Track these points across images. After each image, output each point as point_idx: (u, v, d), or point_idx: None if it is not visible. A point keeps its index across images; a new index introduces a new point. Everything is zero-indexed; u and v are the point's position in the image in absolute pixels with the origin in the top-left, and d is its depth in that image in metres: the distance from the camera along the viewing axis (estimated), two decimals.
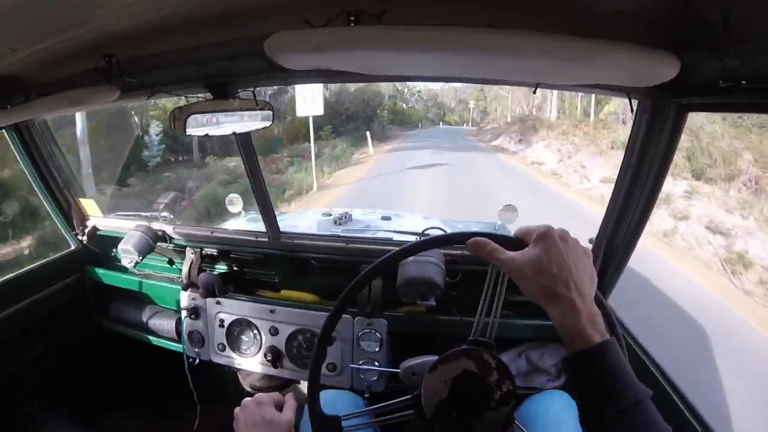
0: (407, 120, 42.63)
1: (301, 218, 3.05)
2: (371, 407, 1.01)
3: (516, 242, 0.75)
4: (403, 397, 0.92)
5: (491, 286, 0.86)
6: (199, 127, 1.33)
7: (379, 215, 2.97)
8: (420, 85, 47.94)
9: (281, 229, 1.78)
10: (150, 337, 1.94)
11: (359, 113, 27.21)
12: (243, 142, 1.52)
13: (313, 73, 1.20)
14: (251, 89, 1.32)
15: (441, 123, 51.45)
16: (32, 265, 1.93)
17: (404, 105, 46.53)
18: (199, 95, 1.38)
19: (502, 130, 29.67)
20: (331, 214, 2.78)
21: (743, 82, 0.85)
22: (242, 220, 2.84)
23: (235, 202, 2.72)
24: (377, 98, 28.44)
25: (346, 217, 2.69)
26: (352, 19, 0.99)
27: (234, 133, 1.37)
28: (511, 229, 2.47)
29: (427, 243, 0.97)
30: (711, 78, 0.91)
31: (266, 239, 1.76)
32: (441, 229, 1.71)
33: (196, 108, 1.33)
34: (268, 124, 1.34)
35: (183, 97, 1.43)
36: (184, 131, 1.33)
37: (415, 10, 0.97)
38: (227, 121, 1.34)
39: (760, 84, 0.81)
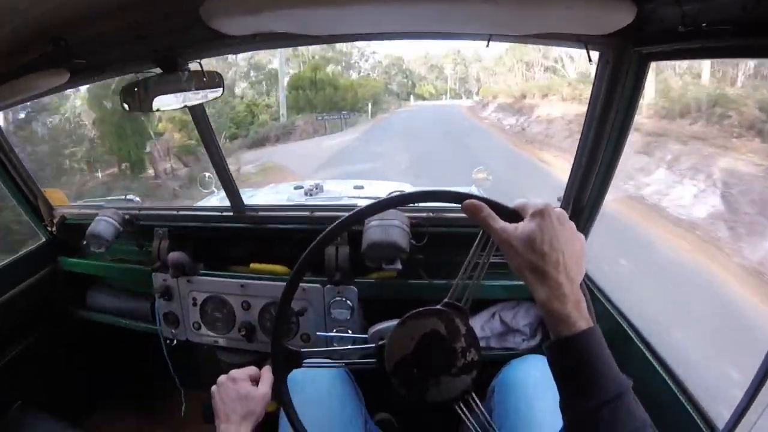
0: (337, 101, 24.05)
1: (273, 192, 3.03)
2: (334, 348, 1.01)
3: (512, 214, 0.74)
4: (367, 345, 0.91)
5: (478, 250, 0.83)
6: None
7: (352, 184, 2.94)
8: (378, 50, 33.56)
9: (249, 204, 1.77)
10: (127, 323, 1.93)
11: None
12: (197, 115, 1.49)
13: (257, 37, 1.16)
14: (198, 60, 1.29)
15: (411, 98, 36.18)
16: (2, 262, 1.89)
17: (355, 74, 30.57)
18: (149, 71, 1.34)
19: None
20: (302, 187, 2.75)
21: (703, 25, 0.83)
22: (214, 199, 2.81)
23: (207, 180, 2.68)
24: None
25: (317, 188, 2.67)
26: None
27: (186, 107, 1.34)
28: (483, 193, 2.50)
29: (383, 203, 0.95)
30: (671, 24, 0.90)
31: (231, 214, 1.75)
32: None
33: (147, 84, 1.30)
34: (219, 94, 1.32)
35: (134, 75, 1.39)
36: (151, 109, 1.30)
37: None
38: (179, 95, 1.31)
39: (720, 26, 0.79)
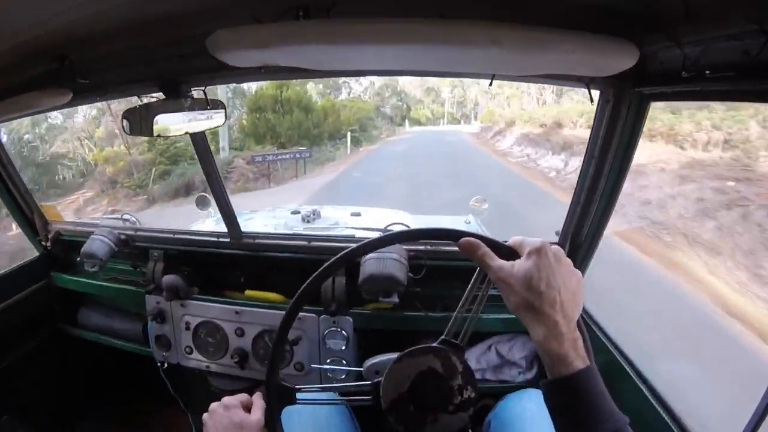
0: (308, 127, 18.17)
1: (270, 217, 3.02)
2: (329, 385, 0.99)
3: (508, 252, 0.74)
4: (363, 382, 0.90)
5: (476, 284, 0.82)
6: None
7: (349, 211, 2.93)
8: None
9: (247, 229, 1.76)
10: (118, 343, 1.90)
11: None
12: (197, 143, 1.49)
13: (263, 69, 1.17)
14: (202, 88, 1.30)
15: (406, 122, 33.09)
16: None
17: (345, 94, 27.69)
18: (152, 96, 1.34)
19: None
20: (299, 212, 2.75)
21: (707, 71, 0.84)
22: (211, 221, 2.81)
23: (205, 202, 2.67)
24: None
25: (314, 214, 2.67)
26: (301, 13, 0.97)
27: (187, 134, 1.34)
28: (481, 223, 2.50)
29: (378, 242, 0.94)
30: (673, 67, 0.91)
31: (228, 240, 1.74)
32: (405, 225, 1.70)
33: (149, 109, 1.30)
34: (221, 123, 1.33)
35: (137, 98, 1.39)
36: (152, 134, 1.30)
37: (365, 3, 0.94)
38: (180, 122, 1.31)
39: (724, 72, 0.80)
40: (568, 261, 0.72)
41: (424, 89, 35.37)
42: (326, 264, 0.89)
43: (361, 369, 1.44)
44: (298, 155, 15.71)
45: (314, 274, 0.89)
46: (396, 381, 0.83)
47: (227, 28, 0.93)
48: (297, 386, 0.91)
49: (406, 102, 34.78)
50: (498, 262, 0.72)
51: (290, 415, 0.95)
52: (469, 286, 0.81)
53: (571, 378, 0.65)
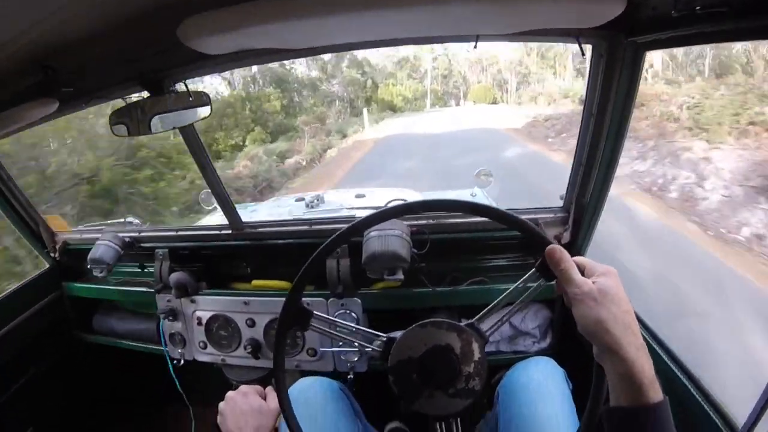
0: None
1: (274, 207, 3.02)
2: (344, 323, 0.99)
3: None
4: (378, 332, 0.89)
5: (524, 283, 0.80)
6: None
7: (353, 194, 2.92)
8: None
9: (250, 219, 1.76)
10: (134, 345, 1.93)
11: None
12: (188, 136, 1.48)
13: (241, 55, 1.15)
14: (183, 81, 1.28)
15: (365, 114, 20.48)
16: (8, 290, 1.90)
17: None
18: (136, 95, 1.33)
19: None
20: (304, 199, 2.75)
21: (697, 8, 0.79)
22: (218, 215, 2.81)
23: (208, 197, 2.67)
24: None
25: (318, 200, 2.66)
26: None
27: (176, 128, 1.32)
28: (487, 194, 2.47)
29: (384, 214, 0.93)
30: (664, 10, 0.87)
31: (229, 232, 1.74)
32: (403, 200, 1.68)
33: (139, 107, 1.29)
34: (207, 114, 1.31)
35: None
36: (149, 131, 1.29)
37: None
38: (167, 117, 1.30)
39: (715, 8, 0.76)
40: None
41: (395, 61, 25.54)
42: (324, 243, 0.88)
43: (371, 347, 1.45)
44: None
45: (313, 255, 0.89)
46: (411, 344, 0.82)
47: (194, 15, 0.91)
48: (315, 312, 0.91)
49: (369, 77, 24.07)
50: (581, 277, 0.69)
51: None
52: (517, 283, 0.80)
53: (657, 407, 0.61)
